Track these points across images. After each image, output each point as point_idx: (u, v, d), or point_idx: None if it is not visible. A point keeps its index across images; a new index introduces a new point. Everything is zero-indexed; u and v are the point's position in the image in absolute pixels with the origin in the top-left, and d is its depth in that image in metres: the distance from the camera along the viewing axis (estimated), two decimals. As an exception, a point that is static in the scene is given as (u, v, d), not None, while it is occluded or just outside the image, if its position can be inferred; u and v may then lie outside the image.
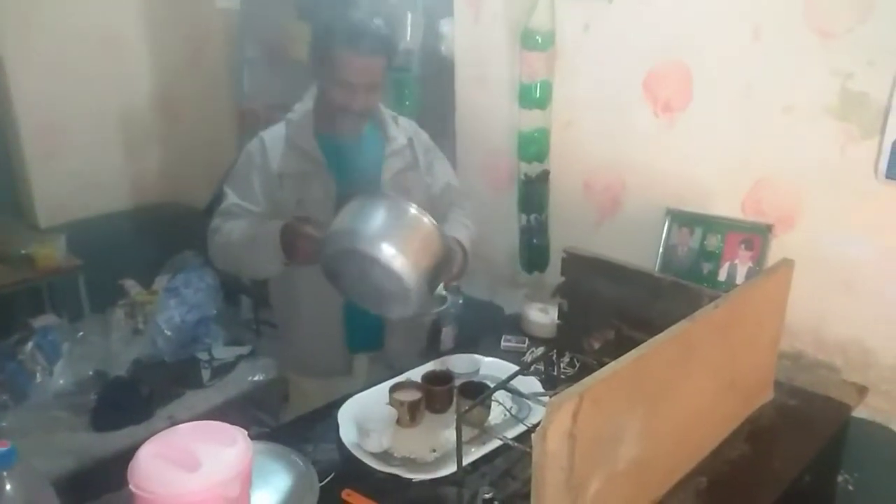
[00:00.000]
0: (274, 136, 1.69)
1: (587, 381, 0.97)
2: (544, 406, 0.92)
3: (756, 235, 1.75)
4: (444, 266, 1.51)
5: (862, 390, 1.60)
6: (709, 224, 1.83)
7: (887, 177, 1.52)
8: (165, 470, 0.90)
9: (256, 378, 2.65)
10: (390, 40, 1.63)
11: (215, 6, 3.20)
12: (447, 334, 2.22)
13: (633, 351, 1.05)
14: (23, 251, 2.82)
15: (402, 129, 1.78)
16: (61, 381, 2.54)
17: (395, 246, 1.37)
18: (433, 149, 1.85)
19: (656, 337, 1.09)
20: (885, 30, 1.46)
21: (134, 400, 2.42)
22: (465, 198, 1.89)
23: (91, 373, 2.57)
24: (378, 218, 1.41)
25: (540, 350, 1.77)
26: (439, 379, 1.52)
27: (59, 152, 3.33)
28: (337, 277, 1.49)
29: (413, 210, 1.43)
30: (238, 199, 1.66)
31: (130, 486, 0.89)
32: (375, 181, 1.70)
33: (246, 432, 1.00)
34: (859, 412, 1.60)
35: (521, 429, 1.36)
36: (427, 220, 1.43)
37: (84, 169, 3.39)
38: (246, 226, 1.62)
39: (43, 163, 3.30)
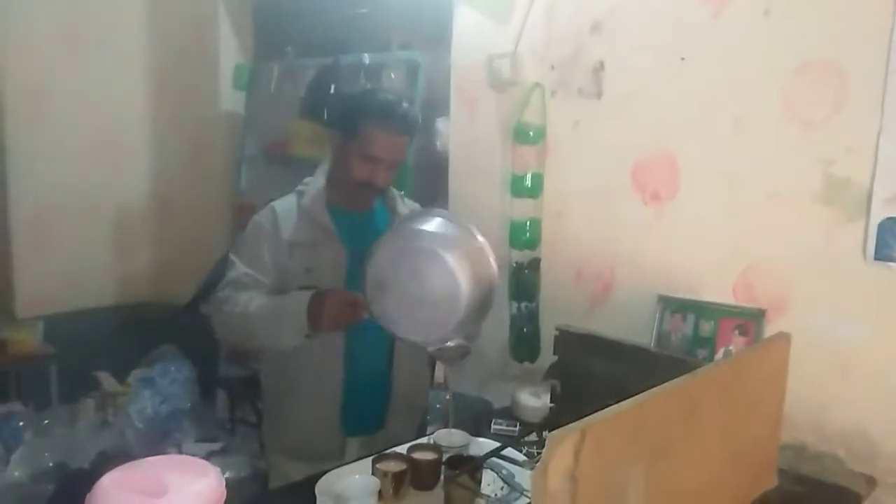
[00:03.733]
0: (285, 206, 1.71)
1: (589, 419, 0.91)
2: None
3: (749, 321, 1.73)
4: (487, 299, 1.50)
5: (870, 480, 1.52)
6: (701, 310, 1.81)
7: (876, 258, 1.54)
8: (128, 496, 0.81)
9: (227, 475, 2.47)
10: (417, 123, 1.71)
11: (219, 109, 3.33)
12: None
13: (635, 397, 1.00)
14: (-3, 336, 2.74)
15: (408, 208, 1.82)
16: (16, 473, 2.36)
17: (456, 250, 1.42)
18: None
19: (659, 387, 1.05)
20: (860, 118, 1.53)
21: (93, 494, 2.24)
22: None
23: (51, 464, 2.40)
24: (435, 225, 1.48)
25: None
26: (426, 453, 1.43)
27: (47, 245, 3.32)
28: (382, 292, 1.46)
29: (467, 224, 1.50)
30: (246, 268, 1.64)
31: (87, 514, 0.80)
32: None
33: (219, 469, 0.91)
34: (867, 509, 1.51)
35: None
36: (480, 237, 1.49)
37: (70, 264, 3.37)
38: (265, 296, 1.59)
39: (30, 254, 3.29)
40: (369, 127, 1.61)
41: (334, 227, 1.67)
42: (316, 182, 1.72)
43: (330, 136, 1.71)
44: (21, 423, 2.45)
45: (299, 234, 1.65)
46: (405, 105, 1.66)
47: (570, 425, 0.89)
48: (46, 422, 2.58)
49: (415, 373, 1.79)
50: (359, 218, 1.73)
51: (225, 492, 0.88)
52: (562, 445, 0.85)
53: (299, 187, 1.74)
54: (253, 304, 1.57)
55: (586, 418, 0.91)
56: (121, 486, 0.83)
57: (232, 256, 1.69)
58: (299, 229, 1.66)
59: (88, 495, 0.83)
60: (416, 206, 1.87)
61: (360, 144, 1.62)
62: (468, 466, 1.24)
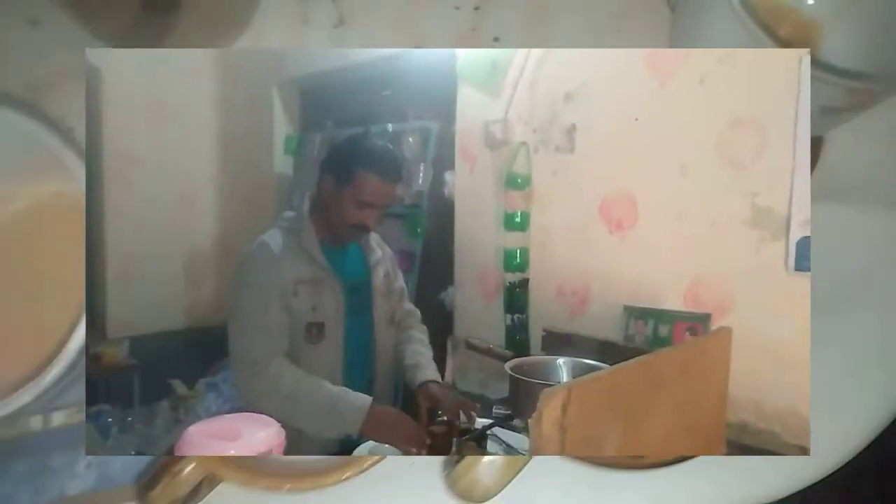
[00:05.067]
0: (277, 242, 1.41)
1: (574, 380, 0.93)
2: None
3: (698, 323, 1.75)
4: None
5: (804, 450, 1.50)
6: (659, 316, 1.83)
7: (795, 269, 1.57)
8: (210, 440, 0.83)
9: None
10: (405, 168, 1.65)
11: (272, 171, 3.42)
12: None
13: (608, 367, 1.02)
14: (92, 350, 2.75)
15: (376, 241, 1.63)
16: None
17: None
18: (395, 262, 1.70)
19: (629, 360, 1.07)
20: (777, 160, 1.58)
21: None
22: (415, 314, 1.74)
23: (133, 453, 2.38)
24: None
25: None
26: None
27: (132, 280, 3.36)
28: None
29: None
30: (265, 315, 1.36)
31: (176, 454, 0.82)
32: (368, 287, 1.56)
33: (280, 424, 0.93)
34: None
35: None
36: None
37: (151, 295, 3.41)
38: (311, 378, 1.34)
39: (119, 287, 3.33)
40: (364, 174, 1.37)
41: (327, 263, 1.46)
42: (304, 219, 1.45)
43: (319, 179, 1.44)
44: (109, 420, 2.44)
45: (301, 271, 1.40)
46: (393, 151, 1.50)
47: (560, 384, 0.90)
48: (129, 419, 2.57)
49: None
50: (338, 252, 1.51)
51: (284, 441, 0.90)
52: (553, 399, 0.87)
53: (282, 223, 1.47)
54: (300, 387, 1.32)
55: (572, 380, 0.93)
56: (203, 433, 0.85)
57: (242, 306, 1.38)
58: (300, 266, 1.40)
59: (177, 440, 0.85)
60: (379, 237, 1.63)
61: (355, 191, 1.38)
62: (477, 432, 1.24)
